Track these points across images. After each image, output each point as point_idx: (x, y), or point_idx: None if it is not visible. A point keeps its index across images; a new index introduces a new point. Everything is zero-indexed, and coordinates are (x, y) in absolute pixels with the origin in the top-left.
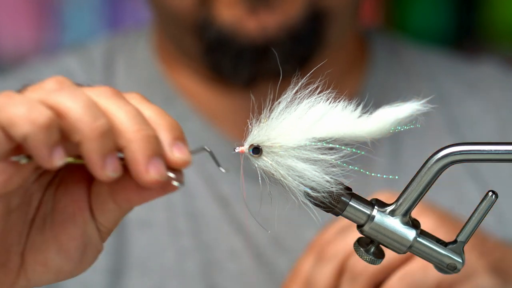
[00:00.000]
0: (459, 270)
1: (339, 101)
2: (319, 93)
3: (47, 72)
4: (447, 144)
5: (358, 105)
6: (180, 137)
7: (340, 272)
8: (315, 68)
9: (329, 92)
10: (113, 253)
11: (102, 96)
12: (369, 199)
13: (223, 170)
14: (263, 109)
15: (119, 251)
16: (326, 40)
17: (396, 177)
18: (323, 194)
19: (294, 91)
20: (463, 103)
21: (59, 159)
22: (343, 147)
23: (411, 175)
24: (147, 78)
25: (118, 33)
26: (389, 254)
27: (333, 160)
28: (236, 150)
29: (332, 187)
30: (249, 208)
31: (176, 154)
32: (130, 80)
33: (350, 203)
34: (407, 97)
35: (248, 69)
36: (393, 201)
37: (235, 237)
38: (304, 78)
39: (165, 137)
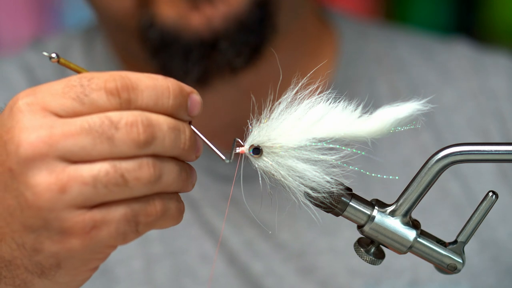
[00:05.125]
0: (459, 271)
1: (327, 93)
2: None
3: (9, 67)
4: (424, 136)
5: (332, 93)
6: (184, 98)
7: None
8: (315, 69)
9: (297, 79)
10: None
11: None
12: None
13: (227, 161)
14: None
15: None
16: (276, 25)
17: (396, 177)
18: (323, 195)
19: (294, 91)
20: (437, 91)
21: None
22: (343, 148)
23: (386, 170)
24: None
25: (76, 29)
26: None
27: (333, 160)
28: (237, 151)
29: (332, 188)
30: (251, 211)
31: (195, 112)
32: None
33: (351, 203)
34: (379, 86)
35: (198, 67)
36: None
37: (206, 242)
38: (305, 78)
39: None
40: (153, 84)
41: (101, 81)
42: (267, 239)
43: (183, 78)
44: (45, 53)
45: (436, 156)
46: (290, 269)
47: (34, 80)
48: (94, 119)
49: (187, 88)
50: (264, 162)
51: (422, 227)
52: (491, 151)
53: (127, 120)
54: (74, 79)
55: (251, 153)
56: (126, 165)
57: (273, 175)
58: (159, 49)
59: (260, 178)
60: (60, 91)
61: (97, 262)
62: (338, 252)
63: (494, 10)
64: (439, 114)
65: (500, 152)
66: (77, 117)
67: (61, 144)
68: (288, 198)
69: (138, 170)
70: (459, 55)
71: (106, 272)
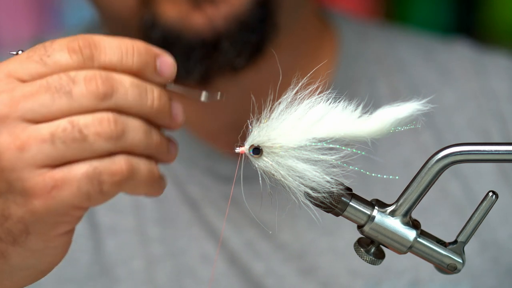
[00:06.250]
0: (459, 271)
1: (327, 93)
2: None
3: None
4: (424, 136)
5: (332, 93)
6: (150, 57)
7: None
8: (315, 69)
9: (299, 78)
10: (82, 261)
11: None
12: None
13: (203, 98)
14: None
15: (87, 258)
16: (278, 25)
17: (397, 177)
18: (323, 195)
19: (295, 91)
20: (437, 91)
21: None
22: (343, 147)
23: (386, 170)
24: None
25: (77, 28)
26: None
27: (333, 160)
28: (237, 151)
29: (332, 188)
30: (251, 211)
31: (166, 72)
32: None
33: (351, 203)
34: (379, 86)
35: (200, 66)
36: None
37: (207, 242)
38: (305, 78)
39: (151, 73)
40: (117, 43)
41: (64, 42)
42: (267, 239)
43: (185, 78)
44: (12, 52)
45: (436, 156)
46: (290, 270)
47: None
48: (54, 77)
49: (156, 49)
50: (264, 162)
51: (422, 227)
52: (491, 151)
53: (86, 74)
54: (39, 44)
55: (251, 153)
56: (84, 120)
57: (273, 175)
58: (161, 49)
59: (260, 178)
60: (25, 56)
61: (66, 226)
62: (338, 252)
63: (494, 10)
64: (439, 114)
65: (500, 152)
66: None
67: (21, 105)
68: (288, 198)
69: (98, 125)
70: (459, 55)
71: (107, 272)
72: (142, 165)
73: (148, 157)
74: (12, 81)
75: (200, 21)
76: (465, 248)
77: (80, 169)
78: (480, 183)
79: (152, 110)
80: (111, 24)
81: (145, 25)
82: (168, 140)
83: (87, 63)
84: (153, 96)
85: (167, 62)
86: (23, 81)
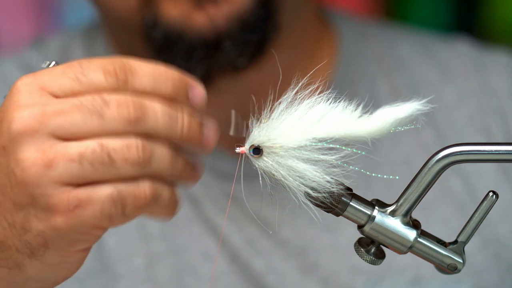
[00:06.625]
0: (459, 270)
1: (327, 93)
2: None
3: (9, 67)
4: (425, 134)
5: (332, 93)
6: (183, 87)
7: None
8: (315, 69)
9: (299, 78)
10: None
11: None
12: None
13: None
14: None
15: (88, 255)
16: (279, 24)
17: (397, 177)
18: (323, 195)
19: (295, 91)
20: (437, 89)
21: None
22: (343, 147)
23: (387, 168)
24: None
25: (77, 28)
26: None
27: (333, 160)
28: (237, 151)
29: (332, 188)
30: (250, 208)
31: (197, 102)
32: None
33: (351, 203)
34: (379, 85)
35: (201, 66)
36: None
37: (207, 239)
38: (305, 78)
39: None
40: (153, 69)
41: (100, 63)
42: (268, 236)
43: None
44: (44, 65)
45: (436, 156)
46: (292, 267)
47: None
48: (87, 97)
49: (189, 79)
50: (264, 162)
51: (424, 225)
52: (491, 151)
53: (119, 99)
54: (75, 61)
55: (251, 153)
56: (113, 144)
57: (274, 175)
58: (162, 48)
59: (260, 178)
60: (59, 71)
61: (85, 244)
62: (340, 249)
63: (494, 10)
64: (440, 112)
65: (500, 152)
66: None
67: (52, 121)
68: (289, 198)
69: (126, 151)
70: (460, 53)
71: (107, 269)
72: (165, 191)
73: (171, 181)
74: (45, 94)
75: (201, 20)
76: (467, 245)
77: (105, 191)
78: (481, 181)
79: (181, 137)
80: (112, 24)
81: (146, 25)
82: (193, 166)
83: (121, 86)
84: (182, 124)
85: (199, 93)
86: (56, 96)
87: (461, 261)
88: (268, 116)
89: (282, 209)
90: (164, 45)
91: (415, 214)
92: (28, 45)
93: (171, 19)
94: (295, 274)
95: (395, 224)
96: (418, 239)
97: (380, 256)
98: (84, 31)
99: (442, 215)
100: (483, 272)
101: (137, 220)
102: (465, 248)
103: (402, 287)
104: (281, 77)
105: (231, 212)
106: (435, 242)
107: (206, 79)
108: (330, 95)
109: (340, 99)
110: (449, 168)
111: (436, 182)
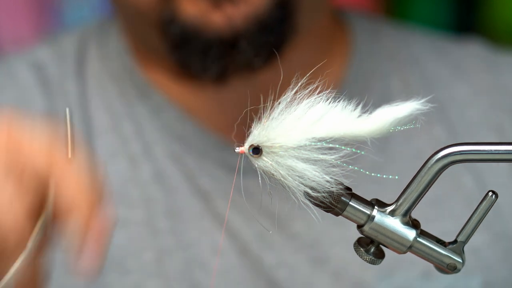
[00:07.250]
0: (459, 270)
1: (327, 93)
2: (319, 92)
3: (18, 64)
4: (436, 131)
5: (343, 94)
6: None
7: None
8: (315, 68)
9: (311, 80)
10: None
11: None
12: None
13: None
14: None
15: None
16: (296, 26)
17: (396, 177)
18: (323, 194)
19: (294, 91)
20: (450, 86)
21: None
22: (343, 147)
23: (400, 163)
24: (120, 70)
25: (91, 23)
26: None
27: (333, 160)
28: (236, 150)
29: (332, 187)
30: (247, 205)
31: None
32: (103, 72)
33: (350, 203)
34: (392, 82)
35: (217, 65)
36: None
37: (217, 234)
38: (305, 77)
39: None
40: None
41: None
42: (279, 230)
43: (201, 75)
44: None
45: (435, 156)
46: (302, 260)
47: (43, 78)
48: None
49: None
50: (264, 162)
51: (435, 221)
52: (491, 151)
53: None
54: None
55: (251, 153)
56: None
57: (273, 175)
58: (178, 45)
59: (260, 178)
60: None
61: None
62: (350, 243)
63: (494, 10)
64: (452, 108)
65: (500, 152)
66: None
67: None
68: (288, 198)
69: None
70: (472, 53)
71: (117, 264)
72: None
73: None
74: None
75: (219, 20)
76: (477, 240)
77: None
78: (492, 176)
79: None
80: (129, 17)
81: (164, 20)
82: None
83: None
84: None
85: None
86: None
87: (460, 260)
88: (268, 116)
89: (290, 204)
90: (180, 41)
91: (425, 210)
92: (41, 42)
93: (189, 17)
94: (306, 268)
95: (395, 223)
96: (418, 238)
97: (379, 255)
98: (97, 26)
99: (453, 212)
100: (494, 267)
101: (147, 215)
102: (476, 243)
103: (413, 281)
104: (294, 77)
105: (241, 206)
106: (435, 242)
107: (221, 78)
108: (330, 94)
109: (340, 98)
110: (460, 165)
111: (448, 178)
